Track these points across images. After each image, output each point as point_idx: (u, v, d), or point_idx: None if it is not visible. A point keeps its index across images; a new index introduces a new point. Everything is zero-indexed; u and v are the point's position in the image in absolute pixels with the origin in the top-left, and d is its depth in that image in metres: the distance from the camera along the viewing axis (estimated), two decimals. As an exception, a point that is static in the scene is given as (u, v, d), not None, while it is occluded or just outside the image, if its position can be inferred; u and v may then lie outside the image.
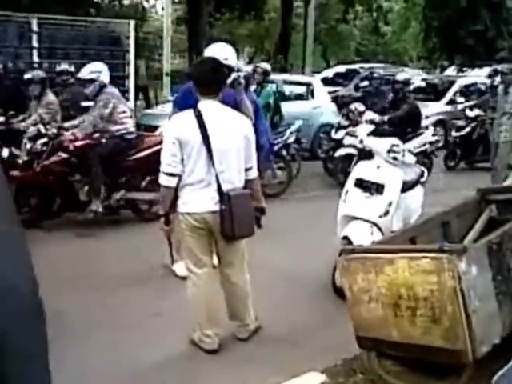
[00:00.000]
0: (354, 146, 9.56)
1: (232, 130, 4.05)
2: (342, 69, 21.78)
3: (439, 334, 3.35)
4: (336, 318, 4.60)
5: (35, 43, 10.99)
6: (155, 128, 9.49)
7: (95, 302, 4.92)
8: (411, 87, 16.37)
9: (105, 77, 7.17)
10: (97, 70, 7.13)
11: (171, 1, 24.31)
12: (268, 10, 26.26)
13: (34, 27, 10.92)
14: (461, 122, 11.78)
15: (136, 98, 16.08)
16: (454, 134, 11.81)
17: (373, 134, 9.03)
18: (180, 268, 5.22)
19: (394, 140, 5.41)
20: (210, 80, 4.05)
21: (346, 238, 5.16)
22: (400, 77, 10.06)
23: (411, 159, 5.69)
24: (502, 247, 3.56)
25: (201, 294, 4.17)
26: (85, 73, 7.16)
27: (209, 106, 4.03)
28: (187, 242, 4.14)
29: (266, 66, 9.84)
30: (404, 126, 9.17)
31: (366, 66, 20.67)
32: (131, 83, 12.31)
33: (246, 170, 4.13)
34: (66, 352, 3.57)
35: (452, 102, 14.74)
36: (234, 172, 4.03)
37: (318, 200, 8.93)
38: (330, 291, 5.16)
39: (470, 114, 11.52)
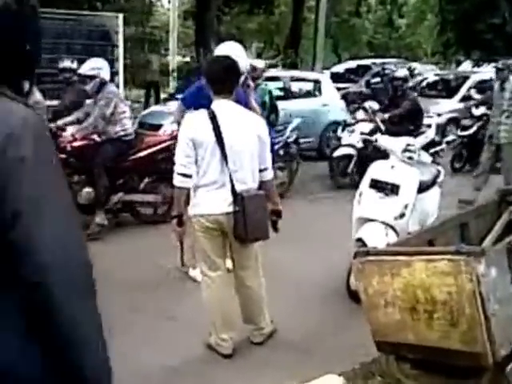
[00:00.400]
0: (352, 146, 9.45)
1: (246, 130, 4.01)
2: (353, 64, 21.50)
3: (458, 337, 3.28)
4: (350, 322, 4.58)
5: None
6: (159, 127, 9.33)
7: (106, 306, 4.88)
8: (424, 83, 16.27)
9: (105, 74, 6.98)
10: (97, 67, 6.94)
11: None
12: (278, 3, 25.95)
13: None
14: (466, 121, 11.13)
15: (148, 95, 16.01)
16: (459, 133, 11.06)
17: (375, 133, 9.00)
18: (198, 273, 5.19)
19: (409, 139, 5.35)
20: (223, 79, 4.01)
21: (360, 240, 5.10)
22: (399, 73, 9.81)
23: (427, 158, 5.61)
24: (521, 249, 3.49)
25: (215, 297, 4.14)
26: (86, 69, 6.95)
27: (223, 106, 3.99)
28: (201, 244, 4.10)
29: (259, 62, 9.62)
30: (405, 124, 8.93)
31: (378, 61, 20.48)
32: (121, 79, 12.03)
33: (261, 170, 4.08)
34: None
35: (466, 98, 13.89)
36: (247, 172, 3.99)
37: (323, 202, 8.80)
38: (343, 295, 5.11)
39: (476, 112, 10.78)
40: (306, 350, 4.27)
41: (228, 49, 5.26)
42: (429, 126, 9.35)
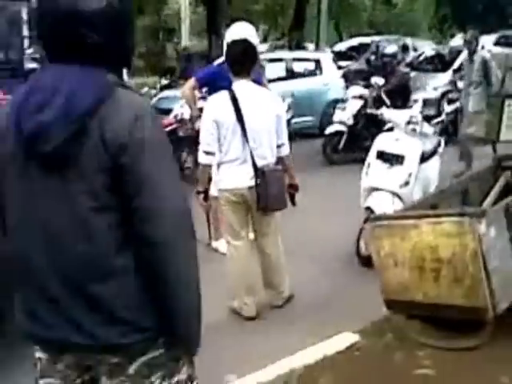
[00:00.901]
0: (343, 123, 9.73)
1: (264, 108, 4.31)
2: (354, 42, 21.63)
3: (462, 293, 3.62)
4: (361, 285, 4.90)
5: (26, 32, 10.67)
6: (169, 111, 9.57)
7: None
8: (421, 58, 16.42)
9: None
10: None
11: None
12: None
13: (24, 15, 10.61)
14: (452, 95, 11.00)
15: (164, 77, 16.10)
16: (445, 107, 10.53)
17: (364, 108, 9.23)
18: (222, 245, 5.51)
19: (413, 111, 5.64)
20: (242, 60, 4.31)
21: (368, 208, 5.42)
22: (388, 50, 10.03)
23: (429, 130, 5.91)
24: (518, 210, 3.81)
25: (239, 264, 4.47)
26: None
27: (242, 86, 4.29)
28: (227, 216, 4.44)
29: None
30: (393, 99, 9.18)
31: (377, 38, 20.60)
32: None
33: (278, 146, 4.39)
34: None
35: (459, 71, 14.23)
36: (266, 149, 4.30)
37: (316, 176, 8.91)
38: (354, 260, 5.45)
39: (460, 85, 10.19)
40: (322, 311, 4.58)
41: (240, 29, 5.49)
42: (415, 101, 9.45)
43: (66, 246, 1.63)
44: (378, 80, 9.58)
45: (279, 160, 4.41)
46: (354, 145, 9.65)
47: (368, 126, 9.50)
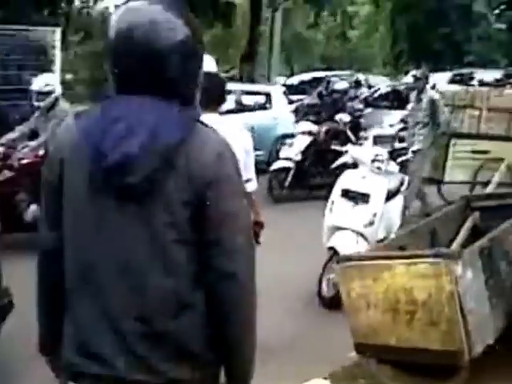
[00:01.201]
0: (290, 159, 9.55)
1: (233, 142, 4.13)
2: (308, 76, 21.84)
3: (437, 337, 3.50)
4: (325, 326, 4.76)
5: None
6: None
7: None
8: (376, 94, 16.68)
9: (58, 89, 7.01)
10: (51, 83, 6.96)
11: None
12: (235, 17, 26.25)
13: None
14: (403, 133, 10.32)
15: None
16: (396, 145, 10.03)
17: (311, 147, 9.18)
18: None
19: (378, 149, 5.59)
20: (211, 94, 4.15)
21: (331, 248, 5.30)
22: (338, 86, 10.06)
23: (394, 168, 5.87)
24: (492, 252, 3.74)
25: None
26: (40, 85, 6.89)
27: (211, 119, 4.11)
28: None
29: None
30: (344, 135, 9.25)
31: (330, 73, 20.87)
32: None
33: (245, 181, 4.21)
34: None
35: None
36: None
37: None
38: (315, 302, 5.32)
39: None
40: (288, 355, 4.40)
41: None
42: (366, 138, 9.45)
43: (142, 278, 1.61)
44: (343, 117, 9.56)
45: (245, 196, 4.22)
46: (301, 182, 9.55)
47: (316, 162, 9.43)
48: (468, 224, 4.79)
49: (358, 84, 17.83)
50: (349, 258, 3.95)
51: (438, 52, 22.91)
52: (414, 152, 7.52)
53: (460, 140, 9.17)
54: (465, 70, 17.78)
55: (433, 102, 8.07)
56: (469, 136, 9.24)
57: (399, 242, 4.44)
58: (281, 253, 6.43)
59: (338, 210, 5.41)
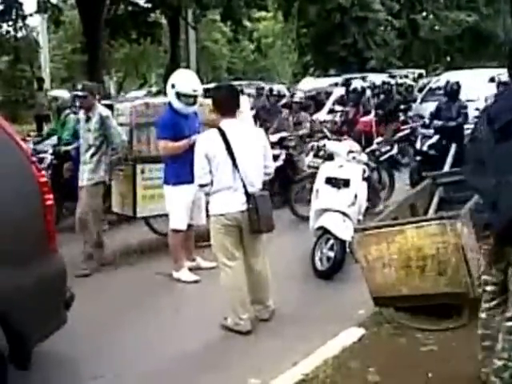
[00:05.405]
0: None
1: (251, 142, 4.87)
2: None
3: (446, 282, 4.37)
4: (330, 294, 5.53)
5: None
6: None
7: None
8: (295, 99, 17.65)
9: None
10: None
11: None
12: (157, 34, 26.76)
13: None
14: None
15: (40, 129, 16.19)
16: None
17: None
18: (183, 275, 6.12)
19: (352, 143, 6.49)
20: (229, 102, 4.86)
21: (321, 227, 6.10)
22: (277, 88, 10.77)
23: (364, 158, 6.75)
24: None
25: (234, 283, 4.89)
26: None
27: (230, 124, 4.83)
28: (221, 239, 4.87)
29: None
30: None
31: (236, 83, 21.77)
32: None
33: (265, 167, 5.01)
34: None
35: (331, 111, 14.81)
36: (254, 177, 4.86)
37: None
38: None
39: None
40: (303, 319, 5.08)
41: (190, 76, 6.17)
42: None
43: None
44: (320, 116, 10.19)
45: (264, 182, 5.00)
46: None
47: None
48: (436, 197, 5.78)
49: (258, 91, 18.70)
50: (364, 229, 4.76)
51: (343, 60, 24.79)
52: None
53: None
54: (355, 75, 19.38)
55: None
56: None
57: (391, 215, 5.31)
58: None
59: (323, 195, 6.23)
